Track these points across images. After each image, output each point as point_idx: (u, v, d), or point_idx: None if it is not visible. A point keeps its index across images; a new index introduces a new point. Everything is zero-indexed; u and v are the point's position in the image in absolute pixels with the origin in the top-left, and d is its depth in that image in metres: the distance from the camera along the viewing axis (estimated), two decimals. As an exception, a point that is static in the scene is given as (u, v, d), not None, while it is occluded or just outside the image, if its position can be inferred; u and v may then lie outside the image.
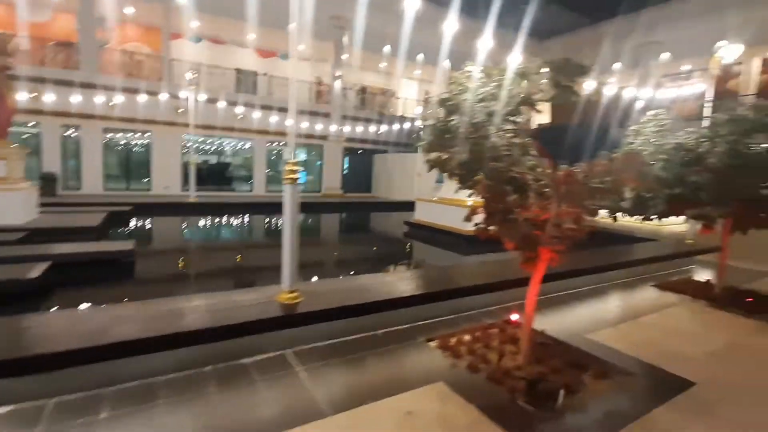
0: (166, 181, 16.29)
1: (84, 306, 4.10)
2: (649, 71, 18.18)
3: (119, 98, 14.48)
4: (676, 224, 9.82)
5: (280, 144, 19.43)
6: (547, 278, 4.55)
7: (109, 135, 15.49)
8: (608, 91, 17.12)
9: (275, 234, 12.10)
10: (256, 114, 17.22)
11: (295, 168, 2.95)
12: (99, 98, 14.27)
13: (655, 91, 16.36)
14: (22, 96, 11.99)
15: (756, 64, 18.14)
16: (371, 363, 2.94)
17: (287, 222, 3.01)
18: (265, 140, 18.69)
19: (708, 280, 5.45)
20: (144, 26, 17.63)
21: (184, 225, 12.43)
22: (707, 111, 7.16)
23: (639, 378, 2.91)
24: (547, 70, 2.54)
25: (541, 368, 2.96)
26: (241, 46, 19.26)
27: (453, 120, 2.76)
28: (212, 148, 18.66)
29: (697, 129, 4.71)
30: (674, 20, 16.63)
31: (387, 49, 19.81)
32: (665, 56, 18.10)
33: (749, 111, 4.50)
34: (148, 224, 11.61)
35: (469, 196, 3.28)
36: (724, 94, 15.70)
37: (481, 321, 3.82)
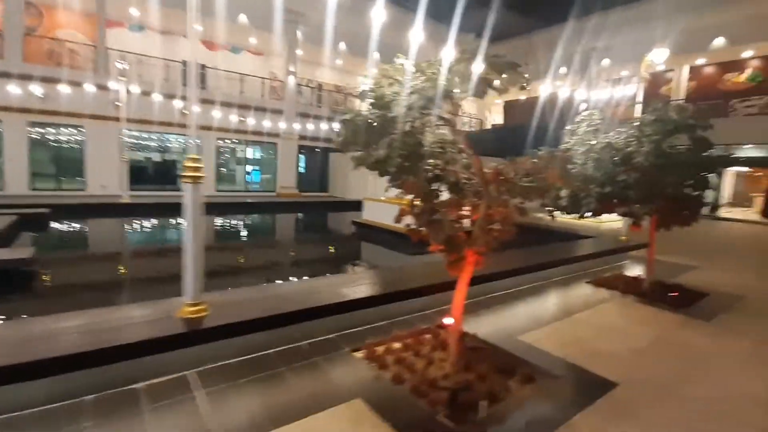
0: (103, 179, 15.04)
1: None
2: (592, 75, 19.13)
3: (48, 90, 13.15)
4: (615, 221, 10.28)
5: (234, 141, 18.59)
6: (484, 278, 4.53)
7: (37, 130, 14.03)
8: (557, 94, 17.86)
9: (217, 237, 11.47)
10: (204, 109, 16.30)
11: (195, 165, 2.61)
12: (23, 89, 12.88)
13: (597, 94, 17.24)
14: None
15: (685, 71, 19.61)
16: (288, 380, 2.68)
17: (189, 226, 2.67)
18: (215, 136, 17.82)
19: (638, 276, 5.66)
20: (80, 13, 16.15)
21: (110, 228, 11.39)
22: (638, 113, 7.53)
23: (564, 381, 2.86)
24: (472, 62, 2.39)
25: (469, 375, 2.83)
26: (187, 37, 18.14)
27: (372, 114, 2.55)
28: (157, 145, 17.49)
29: (626, 129, 4.84)
30: (617, 27, 17.58)
31: (343, 46, 19.49)
32: (606, 61, 19.14)
33: (673, 112, 4.68)
34: (67, 228, 10.51)
35: (402, 195, 3.10)
36: (658, 98, 16.82)
37: (415, 326, 3.66)
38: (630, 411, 2.53)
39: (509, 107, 25.90)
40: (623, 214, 4.86)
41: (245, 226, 14.38)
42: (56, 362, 2.30)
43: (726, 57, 18.04)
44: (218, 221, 13.58)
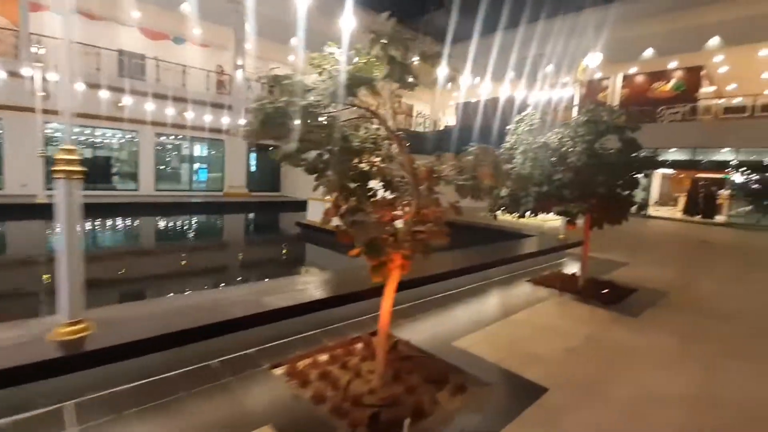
0: (22, 177, 13.46)
1: None
2: (536, 79, 19.97)
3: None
4: (556, 220, 10.67)
5: (178, 138, 17.38)
6: (422, 281, 4.37)
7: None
8: (501, 96, 18.46)
9: (158, 239, 10.58)
10: (142, 102, 15.08)
11: (70, 157, 2.17)
12: None
13: (539, 96, 18.07)
14: None
15: (619, 79, 21.01)
16: (187, 407, 2.32)
17: (64, 231, 2.23)
18: (154, 132, 16.56)
19: (574, 273, 5.80)
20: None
21: (13, 231, 10.13)
22: (575, 115, 7.79)
23: (495, 389, 2.73)
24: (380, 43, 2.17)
25: (396, 389, 2.62)
26: (124, 24, 16.64)
27: (281, 102, 2.26)
28: (89, 140, 15.94)
29: (561, 129, 4.90)
30: (557, 36, 18.45)
31: (294, 41, 18.83)
32: (550, 67, 20.05)
33: (605, 113, 4.80)
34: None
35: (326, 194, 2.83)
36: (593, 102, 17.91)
37: (347, 334, 3.41)
38: (555, 418, 2.45)
39: (460, 109, 26.43)
40: (559, 213, 4.92)
41: (185, 227, 13.45)
42: None
43: (655, 67, 19.52)
44: (160, 223, 12.60)
